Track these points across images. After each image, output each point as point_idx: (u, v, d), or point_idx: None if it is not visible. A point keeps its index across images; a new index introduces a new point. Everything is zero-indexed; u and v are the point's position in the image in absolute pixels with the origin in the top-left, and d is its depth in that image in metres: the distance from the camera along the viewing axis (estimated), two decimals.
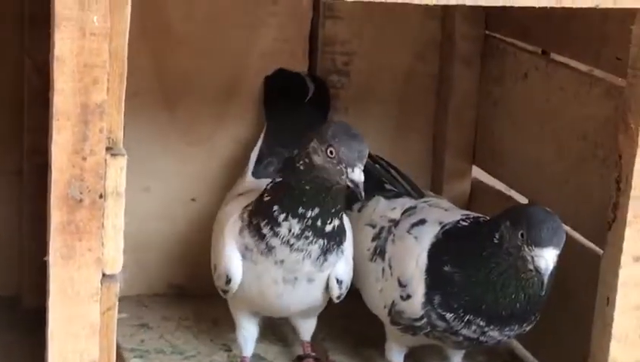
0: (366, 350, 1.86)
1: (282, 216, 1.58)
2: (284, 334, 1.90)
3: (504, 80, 1.95)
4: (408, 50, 2.05)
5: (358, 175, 1.53)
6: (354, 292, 1.77)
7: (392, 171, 1.89)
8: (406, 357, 1.75)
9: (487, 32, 2.01)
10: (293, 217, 1.58)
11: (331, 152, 1.54)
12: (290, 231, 1.58)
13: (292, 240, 1.58)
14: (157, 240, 2.01)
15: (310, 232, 1.58)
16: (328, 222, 1.59)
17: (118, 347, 1.82)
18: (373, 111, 2.05)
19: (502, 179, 2.00)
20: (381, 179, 1.87)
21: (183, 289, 2.04)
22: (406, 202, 1.77)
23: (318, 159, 1.55)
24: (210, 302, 1.92)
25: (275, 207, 1.59)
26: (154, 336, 1.88)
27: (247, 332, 1.75)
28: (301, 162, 1.57)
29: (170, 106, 1.97)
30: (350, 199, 1.83)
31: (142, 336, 1.88)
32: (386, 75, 2.05)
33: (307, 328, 1.79)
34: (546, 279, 1.47)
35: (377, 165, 1.89)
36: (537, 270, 1.47)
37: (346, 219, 1.69)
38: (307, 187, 1.57)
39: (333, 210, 1.59)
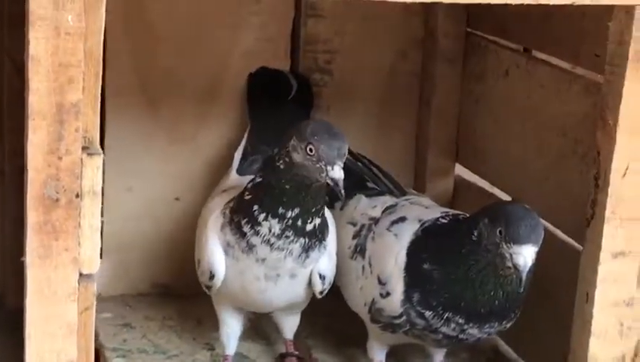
0: (349, 348, 1.86)
1: (262, 216, 1.58)
2: (267, 333, 1.90)
3: (486, 77, 1.95)
4: (390, 48, 2.05)
5: (338, 173, 1.53)
6: (337, 291, 1.77)
7: (374, 169, 1.89)
8: (388, 355, 1.75)
9: (468, 29, 2.02)
10: (274, 217, 1.58)
11: (311, 150, 1.53)
12: (270, 230, 1.58)
13: (272, 240, 1.59)
14: (141, 240, 2.01)
15: (291, 232, 1.58)
16: (309, 221, 1.59)
17: (100, 346, 1.83)
18: (355, 110, 2.05)
19: (484, 177, 2.00)
20: (363, 178, 1.87)
21: (167, 288, 2.04)
22: (387, 200, 1.78)
23: (297, 157, 1.55)
24: (194, 301, 1.92)
25: (256, 207, 1.59)
26: (137, 336, 1.88)
27: (231, 330, 1.75)
28: (281, 161, 1.57)
29: (153, 106, 1.97)
30: (332, 197, 1.84)
31: (124, 336, 1.88)
32: (369, 73, 2.05)
33: (290, 326, 1.79)
34: (524, 276, 1.47)
35: (359, 163, 1.90)
36: (516, 267, 1.47)
37: (328, 214, 1.69)
38: (287, 186, 1.57)
39: (313, 210, 1.59)
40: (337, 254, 1.72)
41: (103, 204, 1.95)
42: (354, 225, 1.76)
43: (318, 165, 1.53)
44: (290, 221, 1.58)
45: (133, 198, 1.99)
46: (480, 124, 1.98)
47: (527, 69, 1.81)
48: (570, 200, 1.65)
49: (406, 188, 1.89)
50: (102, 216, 1.95)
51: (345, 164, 1.89)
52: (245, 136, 1.94)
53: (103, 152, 1.93)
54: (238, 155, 1.90)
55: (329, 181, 1.53)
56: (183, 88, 1.96)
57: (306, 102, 2.00)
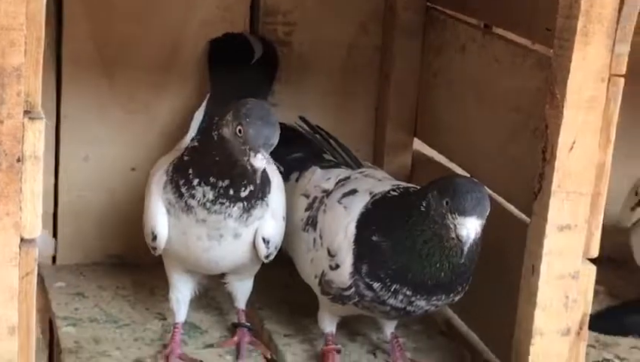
0: (302, 319, 1.86)
1: (196, 181, 1.58)
2: (220, 303, 1.90)
3: (444, 52, 1.94)
4: (351, 21, 2.04)
5: (259, 161, 1.50)
6: (291, 262, 1.77)
7: (332, 141, 1.89)
8: (339, 326, 1.75)
9: (428, 4, 2.01)
10: (206, 185, 1.57)
11: (240, 130, 1.52)
12: (204, 196, 1.57)
13: (208, 205, 1.58)
14: (96, 209, 2.01)
15: (225, 199, 1.57)
16: (242, 190, 1.58)
17: (51, 315, 1.82)
18: (314, 83, 2.04)
19: (442, 152, 2.00)
20: (321, 149, 1.87)
21: (122, 258, 2.03)
22: (341, 172, 1.77)
23: (227, 133, 1.54)
24: (149, 271, 1.92)
25: (191, 171, 1.59)
26: (89, 305, 1.87)
27: (181, 295, 1.74)
28: (216, 132, 1.56)
29: (109, 74, 1.95)
30: (287, 169, 1.84)
31: (76, 305, 1.87)
32: (328, 46, 2.04)
33: (243, 292, 1.77)
34: (466, 248, 1.47)
35: (317, 135, 1.89)
36: (459, 238, 1.47)
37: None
38: (217, 158, 1.56)
39: (244, 181, 1.57)
40: (290, 226, 1.71)
41: (58, 173, 1.99)
42: (307, 197, 1.75)
43: (243, 148, 1.52)
44: (222, 190, 1.57)
45: (89, 168, 1.98)
46: (438, 99, 1.98)
47: (482, 43, 1.81)
48: (521, 174, 1.65)
49: (362, 161, 1.89)
50: (57, 184, 1.98)
51: (302, 135, 1.90)
52: (204, 102, 1.92)
53: (59, 121, 1.98)
54: (195, 123, 1.88)
55: (249, 166, 1.52)
56: (139, 56, 1.95)
57: (270, 66, 1.98)
